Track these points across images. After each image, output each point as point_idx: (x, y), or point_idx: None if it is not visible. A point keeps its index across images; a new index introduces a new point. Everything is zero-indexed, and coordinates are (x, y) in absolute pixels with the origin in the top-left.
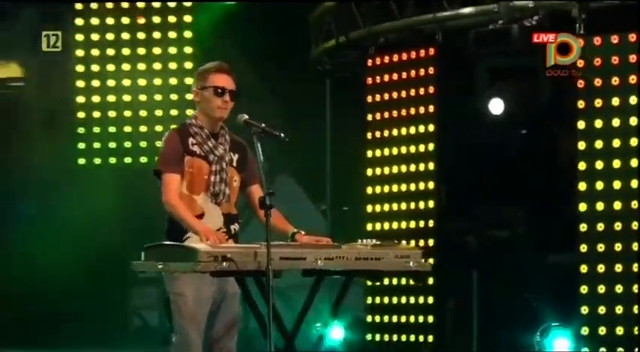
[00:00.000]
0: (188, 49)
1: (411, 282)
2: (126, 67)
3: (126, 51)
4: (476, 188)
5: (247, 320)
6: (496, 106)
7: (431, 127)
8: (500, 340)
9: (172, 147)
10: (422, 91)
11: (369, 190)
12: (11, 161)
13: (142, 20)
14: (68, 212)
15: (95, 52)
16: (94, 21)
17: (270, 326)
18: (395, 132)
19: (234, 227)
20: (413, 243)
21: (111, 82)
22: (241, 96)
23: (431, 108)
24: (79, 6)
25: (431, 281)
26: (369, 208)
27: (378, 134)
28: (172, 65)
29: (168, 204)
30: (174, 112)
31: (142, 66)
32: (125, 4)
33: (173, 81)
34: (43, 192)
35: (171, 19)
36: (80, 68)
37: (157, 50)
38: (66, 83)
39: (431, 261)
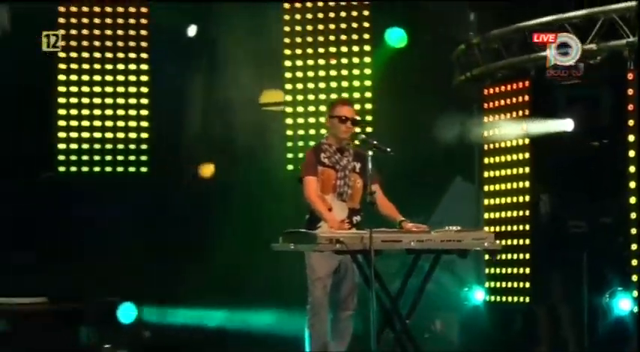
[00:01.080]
0: (367, 83)
1: (514, 256)
2: (321, 97)
3: (322, 85)
4: (561, 184)
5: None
6: (568, 125)
7: (526, 141)
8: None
9: (309, 160)
10: (520, 114)
11: (486, 188)
12: (246, 162)
13: (333, 61)
14: (279, 208)
15: (299, 85)
16: (298, 62)
17: (372, 290)
18: (503, 144)
19: (356, 218)
20: (515, 227)
21: (311, 108)
22: (410, 115)
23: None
24: (287, 51)
25: (527, 256)
26: (486, 202)
27: (491, 146)
28: (356, 95)
29: (309, 199)
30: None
31: (333, 96)
32: (321, 50)
33: (356, 107)
34: (261, 193)
35: (355, 60)
36: (288, 97)
37: (344, 83)
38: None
39: (527, 241)
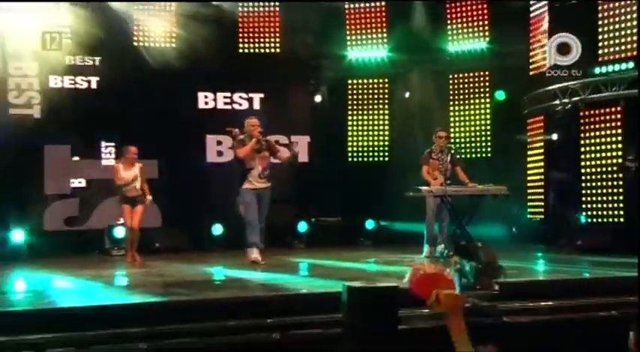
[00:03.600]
0: (488, 116)
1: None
2: (463, 129)
3: (465, 119)
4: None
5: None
6: None
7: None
8: None
9: (425, 157)
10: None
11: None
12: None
13: (472, 107)
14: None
15: (458, 123)
16: (457, 107)
17: (447, 210)
18: (582, 142)
19: (448, 182)
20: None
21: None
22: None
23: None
24: (451, 96)
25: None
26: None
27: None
28: (482, 122)
29: (423, 176)
30: (475, 138)
31: (471, 126)
32: (466, 100)
33: (487, 123)
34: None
35: (481, 106)
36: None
37: (476, 116)
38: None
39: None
